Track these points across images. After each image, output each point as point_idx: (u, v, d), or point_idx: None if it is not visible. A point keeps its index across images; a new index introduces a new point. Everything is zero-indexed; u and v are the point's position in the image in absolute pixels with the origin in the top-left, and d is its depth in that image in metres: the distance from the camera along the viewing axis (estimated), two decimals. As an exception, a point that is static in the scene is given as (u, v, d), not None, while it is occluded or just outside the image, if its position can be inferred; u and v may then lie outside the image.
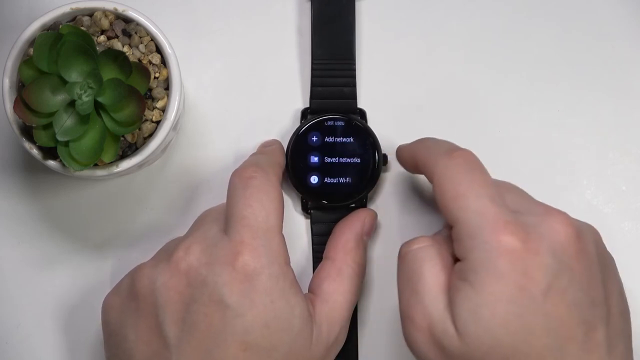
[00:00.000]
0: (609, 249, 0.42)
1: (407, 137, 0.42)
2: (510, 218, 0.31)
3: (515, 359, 0.30)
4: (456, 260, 0.32)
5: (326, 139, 0.40)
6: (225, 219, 0.35)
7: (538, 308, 0.30)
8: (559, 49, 0.43)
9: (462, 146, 0.34)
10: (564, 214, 0.32)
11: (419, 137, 0.41)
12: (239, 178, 0.35)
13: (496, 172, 0.42)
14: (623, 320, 0.33)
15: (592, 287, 0.31)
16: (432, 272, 0.32)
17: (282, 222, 0.35)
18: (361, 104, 0.42)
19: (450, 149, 0.34)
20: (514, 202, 0.33)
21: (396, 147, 0.39)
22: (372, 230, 0.40)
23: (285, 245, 0.35)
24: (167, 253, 0.35)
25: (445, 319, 0.31)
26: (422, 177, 0.42)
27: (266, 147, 0.40)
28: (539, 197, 0.42)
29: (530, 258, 0.30)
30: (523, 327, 0.30)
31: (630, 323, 0.34)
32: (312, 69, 0.41)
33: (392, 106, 0.42)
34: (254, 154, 0.39)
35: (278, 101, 0.42)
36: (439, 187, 0.33)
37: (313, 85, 0.41)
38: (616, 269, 0.34)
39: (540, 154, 0.42)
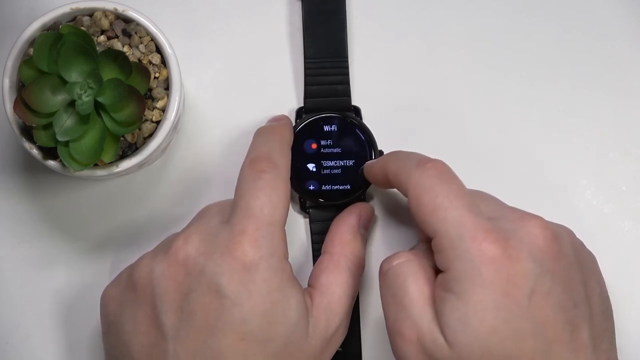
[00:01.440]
0: (608, 249, 0.42)
1: (404, 134, 0.42)
2: (489, 226, 0.31)
3: None
4: (438, 272, 0.33)
5: (321, 138, 0.40)
6: (227, 212, 0.35)
7: (524, 313, 0.30)
8: (559, 49, 0.43)
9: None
10: (539, 217, 0.32)
11: (417, 135, 0.42)
12: (250, 170, 0.35)
13: (496, 172, 0.42)
14: (605, 318, 0.33)
15: (574, 288, 0.32)
16: (416, 286, 0.32)
17: (286, 218, 0.35)
18: (357, 101, 0.42)
19: (422, 161, 0.34)
20: (489, 209, 0.33)
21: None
22: (369, 222, 0.40)
23: (286, 240, 0.35)
24: (167, 244, 0.35)
25: (434, 331, 0.31)
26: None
27: (275, 123, 0.40)
28: (539, 196, 0.42)
29: (512, 264, 0.30)
30: (512, 333, 0.30)
31: (612, 320, 0.34)
32: (305, 68, 0.41)
33: (388, 103, 0.42)
34: (263, 133, 0.38)
35: (278, 101, 0.42)
36: (415, 200, 0.33)
37: (307, 84, 0.41)
38: (596, 267, 0.35)
39: (540, 154, 0.42)
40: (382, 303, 0.34)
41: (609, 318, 0.34)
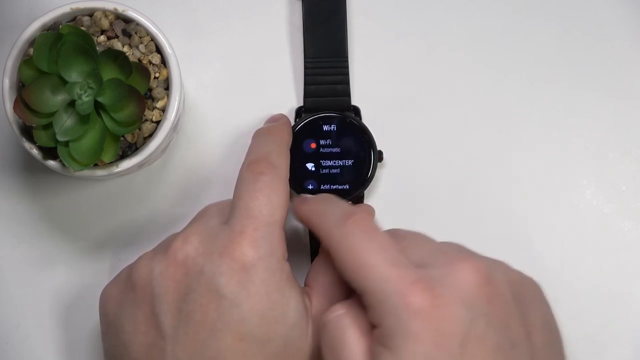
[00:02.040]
0: (608, 249, 0.42)
1: (403, 134, 0.42)
2: (414, 277, 0.30)
3: None
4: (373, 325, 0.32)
5: (321, 138, 0.40)
6: (227, 212, 0.35)
7: None
8: (559, 49, 0.43)
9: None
10: (470, 260, 0.31)
11: (416, 135, 0.42)
12: (249, 172, 0.35)
13: (496, 172, 0.42)
14: (551, 351, 0.33)
15: (511, 328, 0.31)
16: (353, 339, 0.32)
17: (286, 218, 0.35)
18: (357, 101, 0.42)
19: (343, 216, 0.33)
20: (418, 255, 0.32)
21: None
22: None
23: (285, 241, 0.35)
24: (166, 244, 0.35)
25: None
26: (417, 175, 0.42)
27: (273, 123, 0.40)
28: (539, 197, 0.42)
29: (440, 313, 0.30)
30: None
31: (561, 350, 0.33)
32: (305, 68, 0.41)
33: (388, 103, 0.42)
34: (261, 135, 0.38)
35: (278, 101, 0.42)
36: (338, 260, 0.33)
37: (306, 83, 0.41)
38: (537, 297, 0.34)
39: (540, 154, 0.42)
40: (322, 355, 0.33)
41: (555, 348, 0.33)
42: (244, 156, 0.37)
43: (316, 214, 0.35)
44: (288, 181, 0.36)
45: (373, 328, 0.31)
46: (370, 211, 0.40)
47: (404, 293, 0.30)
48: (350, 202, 0.40)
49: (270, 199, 0.34)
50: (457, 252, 0.33)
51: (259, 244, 0.33)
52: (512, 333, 0.31)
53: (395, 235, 0.34)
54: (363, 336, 0.32)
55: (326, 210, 0.35)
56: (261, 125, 0.41)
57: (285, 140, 0.38)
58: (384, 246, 0.32)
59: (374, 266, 0.31)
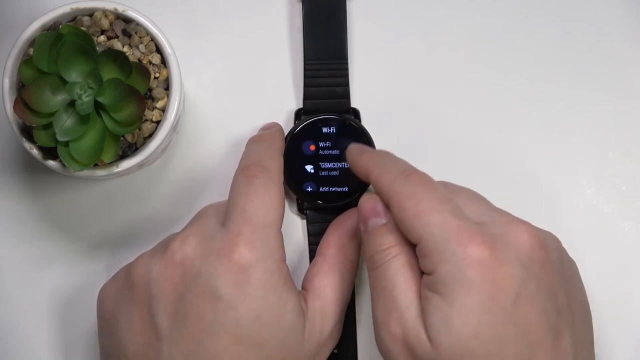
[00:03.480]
0: (608, 249, 0.42)
1: (403, 135, 0.42)
2: (475, 229, 0.31)
3: None
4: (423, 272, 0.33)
5: (320, 140, 0.40)
6: (224, 213, 0.35)
7: (508, 317, 0.30)
8: (559, 49, 0.43)
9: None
10: (527, 223, 0.32)
11: (416, 136, 0.42)
12: (243, 176, 0.35)
13: (496, 172, 0.42)
14: (585, 327, 0.34)
15: (557, 295, 0.32)
16: (405, 279, 0.33)
17: (282, 220, 0.35)
18: (357, 102, 0.42)
19: (406, 171, 0.34)
20: (476, 213, 0.33)
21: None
22: None
23: (283, 243, 0.35)
24: (164, 245, 0.35)
25: (418, 327, 0.31)
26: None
27: (266, 131, 0.40)
28: (539, 197, 0.42)
29: (498, 267, 0.30)
30: (495, 336, 0.30)
31: (592, 328, 0.34)
32: (305, 70, 0.41)
33: (388, 105, 0.42)
34: (254, 141, 0.39)
35: (278, 101, 0.42)
36: (398, 206, 0.33)
37: (306, 85, 0.41)
38: (578, 275, 0.35)
39: (540, 153, 0.42)
40: (371, 293, 0.34)
41: (588, 326, 0.34)
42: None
43: (377, 165, 0.35)
44: (282, 184, 0.36)
45: (424, 275, 0.32)
46: None
47: (464, 242, 0.31)
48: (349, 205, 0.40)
49: (264, 201, 0.34)
50: (511, 216, 0.33)
51: (256, 246, 0.33)
52: (557, 300, 0.32)
53: (450, 188, 0.35)
54: (415, 278, 0.33)
55: (391, 163, 0.35)
56: (258, 129, 0.41)
57: (277, 146, 0.39)
58: (445, 198, 0.33)
59: (436, 212, 0.32)
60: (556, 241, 0.34)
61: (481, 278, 0.30)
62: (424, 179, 0.34)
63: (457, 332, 0.30)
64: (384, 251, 0.34)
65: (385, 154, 0.37)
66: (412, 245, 0.33)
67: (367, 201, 0.35)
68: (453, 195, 0.34)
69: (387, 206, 0.34)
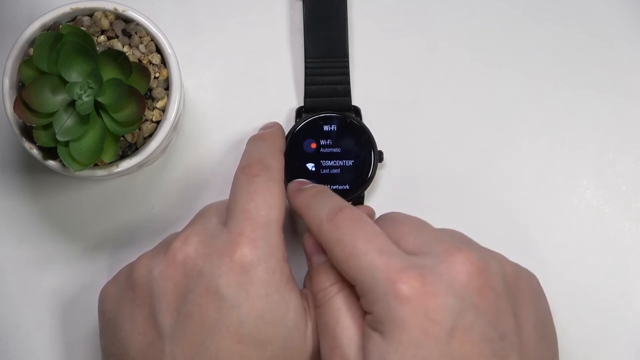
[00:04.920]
0: (609, 248, 0.42)
1: (404, 134, 0.42)
2: (403, 264, 0.31)
3: None
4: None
5: (321, 138, 0.40)
6: (226, 213, 0.35)
7: (443, 349, 0.30)
8: (559, 49, 0.43)
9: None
10: (464, 250, 0.32)
11: (417, 135, 0.41)
12: (244, 175, 0.35)
13: (496, 172, 0.42)
14: (542, 346, 0.33)
15: (501, 320, 0.31)
16: (346, 318, 0.33)
17: (284, 219, 0.35)
18: (358, 101, 0.42)
19: (333, 210, 0.34)
20: (414, 243, 0.33)
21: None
22: None
23: (284, 242, 0.35)
24: (166, 244, 0.35)
25: None
26: (418, 175, 0.42)
27: (266, 130, 0.40)
28: (538, 197, 0.42)
29: (429, 301, 0.30)
30: None
31: (554, 346, 0.34)
32: (306, 68, 0.41)
33: (388, 103, 0.42)
34: (254, 141, 0.39)
35: (279, 101, 0.42)
36: (328, 252, 0.34)
37: (307, 84, 0.41)
38: (533, 294, 0.34)
39: (540, 153, 0.42)
40: (318, 331, 0.34)
41: (548, 345, 0.33)
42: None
43: (308, 208, 0.36)
44: (283, 183, 0.36)
45: (365, 314, 0.32)
46: (373, 213, 0.40)
47: (392, 280, 0.31)
48: (350, 202, 0.40)
49: (265, 199, 0.34)
50: (453, 241, 0.33)
51: (258, 245, 0.33)
52: (501, 325, 0.31)
53: (395, 220, 0.35)
54: (357, 315, 0.33)
55: (317, 205, 0.35)
56: (258, 128, 0.41)
57: (278, 145, 0.39)
58: (372, 235, 0.33)
59: (363, 255, 0.32)
60: (500, 260, 0.33)
61: (413, 314, 0.30)
62: (350, 218, 0.34)
63: None
64: (326, 289, 0.34)
65: (318, 193, 0.37)
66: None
67: (308, 239, 0.36)
68: (394, 226, 0.34)
69: None
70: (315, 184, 0.38)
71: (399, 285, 0.30)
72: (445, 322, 0.30)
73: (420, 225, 0.35)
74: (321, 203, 0.35)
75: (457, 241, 0.33)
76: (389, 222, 0.35)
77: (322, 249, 0.35)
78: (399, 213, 0.36)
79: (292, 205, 0.37)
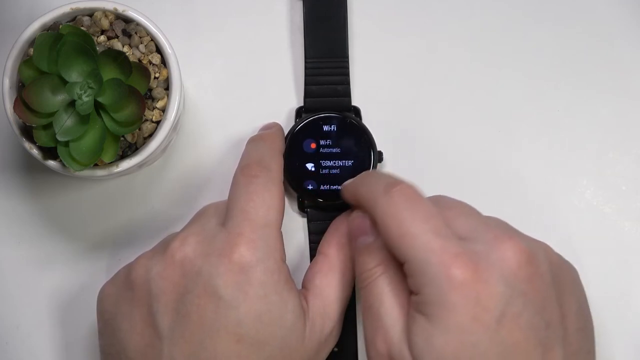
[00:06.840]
0: (608, 248, 0.42)
1: (404, 134, 0.42)
2: (458, 249, 0.31)
3: None
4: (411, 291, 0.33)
5: (321, 138, 0.40)
6: (224, 213, 0.35)
7: (492, 336, 0.30)
8: (559, 49, 0.43)
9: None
10: (514, 238, 0.32)
11: (416, 135, 0.42)
12: (243, 176, 0.35)
13: (495, 171, 0.42)
14: (582, 337, 0.33)
15: (547, 309, 0.31)
16: (391, 298, 0.33)
17: (282, 220, 0.35)
18: (358, 101, 0.42)
19: (389, 185, 0.34)
20: (463, 227, 0.33)
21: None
22: None
23: (283, 242, 0.35)
24: (165, 244, 0.35)
25: (402, 346, 0.32)
26: (417, 175, 0.42)
27: (266, 130, 0.40)
28: (539, 197, 0.42)
29: (481, 288, 0.30)
30: (476, 356, 0.30)
31: (592, 337, 0.34)
32: (306, 68, 0.41)
33: (388, 103, 0.42)
34: (254, 141, 0.39)
35: (279, 101, 0.42)
36: (382, 228, 0.33)
37: (307, 84, 0.41)
38: (575, 284, 0.34)
39: (540, 153, 0.42)
40: (362, 312, 0.34)
41: (587, 336, 0.34)
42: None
43: (362, 185, 0.36)
44: (282, 184, 0.36)
45: (411, 294, 0.32)
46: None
47: (446, 264, 0.31)
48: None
49: (265, 200, 0.34)
50: (501, 229, 0.33)
51: (256, 246, 0.33)
52: (547, 314, 0.31)
53: (441, 203, 0.34)
54: (401, 296, 0.33)
55: (372, 179, 0.35)
56: (258, 129, 0.41)
57: (277, 145, 0.39)
58: (429, 215, 0.32)
59: (418, 235, 0.32)
60: (547, 251, 0.34)
61: (464, 300, 0.30)
62: (407, 194, 0.33)
63: (438, 352, 0.30)
64: (370, 270, 0.34)
65: (368, 174, 0.37)
66: (399, 263, 0.33)
67: (356, 219, 0.36)
68: (442, 210, 0.34)
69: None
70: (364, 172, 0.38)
71: (452, 270, 0.30)
72: (495, 309, 0.30)
73: (468, 210, 0.35)
74: (377, 177, 0.35)
75: (504, 229, 0.33)
76: (438, 204, 0.34)
77: (367, 230, 0.35)
78: (445, 196, 0.36)
79: (346, 193, 0.37)
